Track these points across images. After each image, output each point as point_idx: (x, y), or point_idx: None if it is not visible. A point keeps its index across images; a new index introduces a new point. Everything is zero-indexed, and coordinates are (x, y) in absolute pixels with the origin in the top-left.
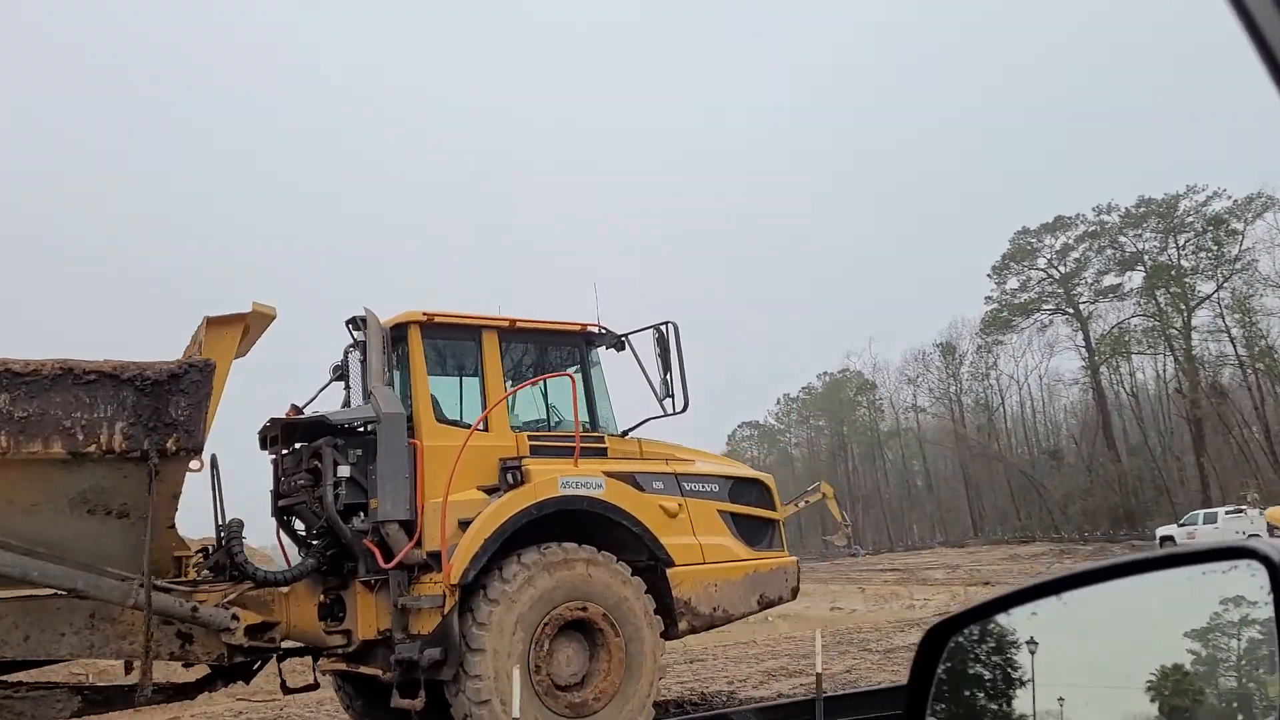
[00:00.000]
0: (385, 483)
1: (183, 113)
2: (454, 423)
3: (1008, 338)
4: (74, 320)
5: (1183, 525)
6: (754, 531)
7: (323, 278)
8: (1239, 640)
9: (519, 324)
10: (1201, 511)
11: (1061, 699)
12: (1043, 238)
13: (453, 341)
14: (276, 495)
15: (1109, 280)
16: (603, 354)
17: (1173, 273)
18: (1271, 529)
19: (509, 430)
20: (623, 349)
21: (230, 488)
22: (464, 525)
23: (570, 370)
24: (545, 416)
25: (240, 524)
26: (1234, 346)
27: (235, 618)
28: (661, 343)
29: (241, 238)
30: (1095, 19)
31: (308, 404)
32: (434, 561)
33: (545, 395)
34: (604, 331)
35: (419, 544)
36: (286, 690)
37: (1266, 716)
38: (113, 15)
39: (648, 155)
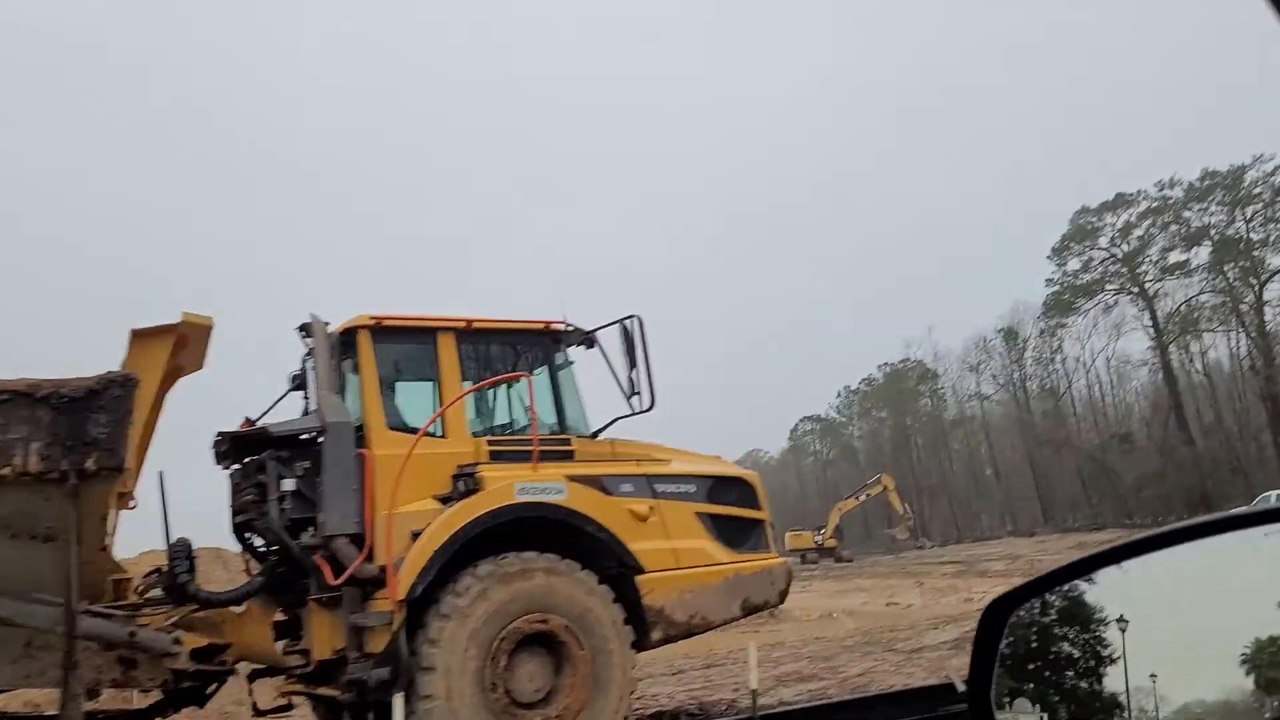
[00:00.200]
0: (331, 495)
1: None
2: (408, 430)
3: (1072, 320)
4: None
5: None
6: (737, 533)
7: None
8: None
9: (477, 324)
10: (1274, 492)
11: (1154, 675)
12: (1104, 216)
13: (406, 345)
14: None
15: (1174, 257)
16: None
17: (1241, 246)
18: None
19: (468, 436)
20: (592, 346)
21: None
22: (417, 537)
23: (536, 370)
24: (509, 420)
25: (185, 543)
26: None
27: (178, 641)
28: (626, 338)
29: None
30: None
31: (263, 415)
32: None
33: (508, 398)
34: (572, 329)
35: (369, 558)
36: (258, 713)
37: None
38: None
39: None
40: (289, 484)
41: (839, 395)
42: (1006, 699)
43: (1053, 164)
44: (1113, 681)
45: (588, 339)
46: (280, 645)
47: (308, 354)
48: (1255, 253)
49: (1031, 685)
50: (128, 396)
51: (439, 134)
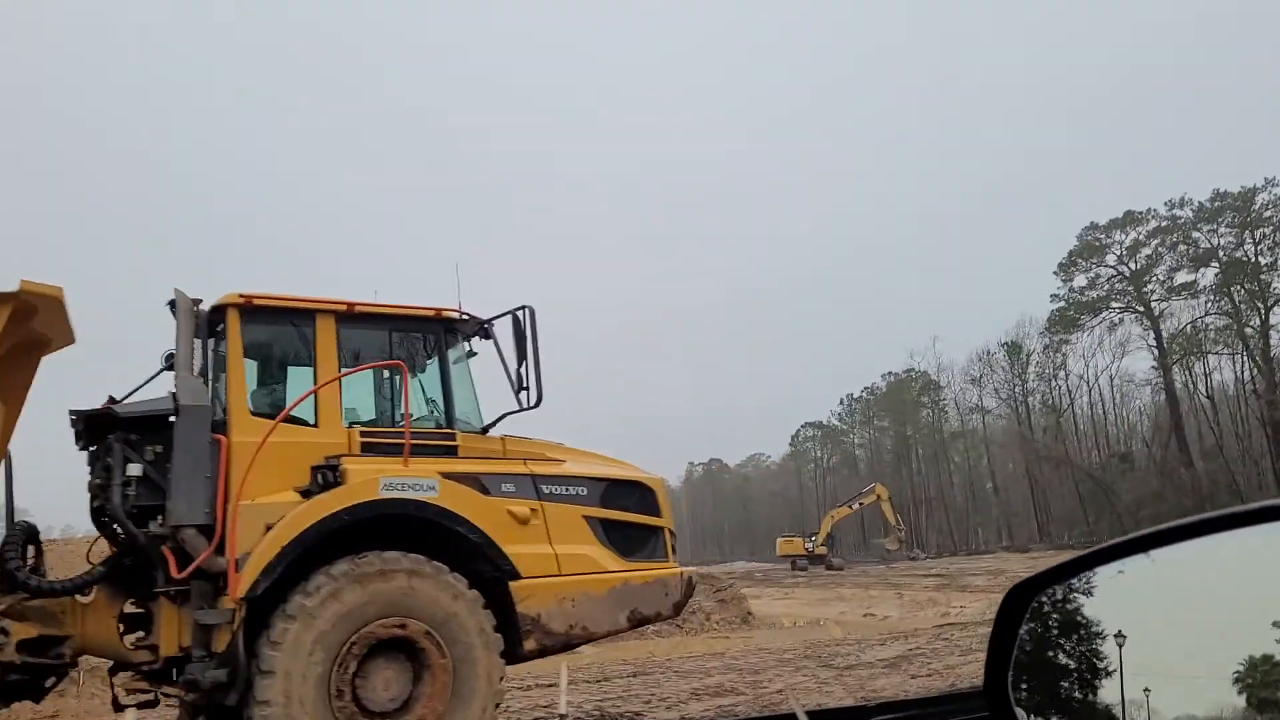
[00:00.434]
0: (180, 482)
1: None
2: (270, 416)
3: (1077, 337)
4: None
5: None
6: (631, 540)
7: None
8: None
9: (359, 308)
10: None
11: (1147, 690)
12: (1112, 234)
13: (281, 327)
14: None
15: (1181, 277)
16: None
17: (1249, 269)
18: None
19: (341, 426)
20: (488, 337)
21: None
22: None
23: (427, 360)
24: (391, 411)
25: (26, 528)
26: None
27: (4, 631)
28: (517, 330)
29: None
30: (1173, 11)
31: (129, 395)
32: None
33: (392, 388)
34: (467, 318)
35: (219, 551)
36: (118, 708)
37: None
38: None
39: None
40: (135, 469)
41: (841, 402)
42: (1023, 688)
43: (1067, 178)
44: (1107, 694)
45: (483, 329)
46: (131, 639)
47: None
48: (1263, 276)
49: (1042, 670)
50: None
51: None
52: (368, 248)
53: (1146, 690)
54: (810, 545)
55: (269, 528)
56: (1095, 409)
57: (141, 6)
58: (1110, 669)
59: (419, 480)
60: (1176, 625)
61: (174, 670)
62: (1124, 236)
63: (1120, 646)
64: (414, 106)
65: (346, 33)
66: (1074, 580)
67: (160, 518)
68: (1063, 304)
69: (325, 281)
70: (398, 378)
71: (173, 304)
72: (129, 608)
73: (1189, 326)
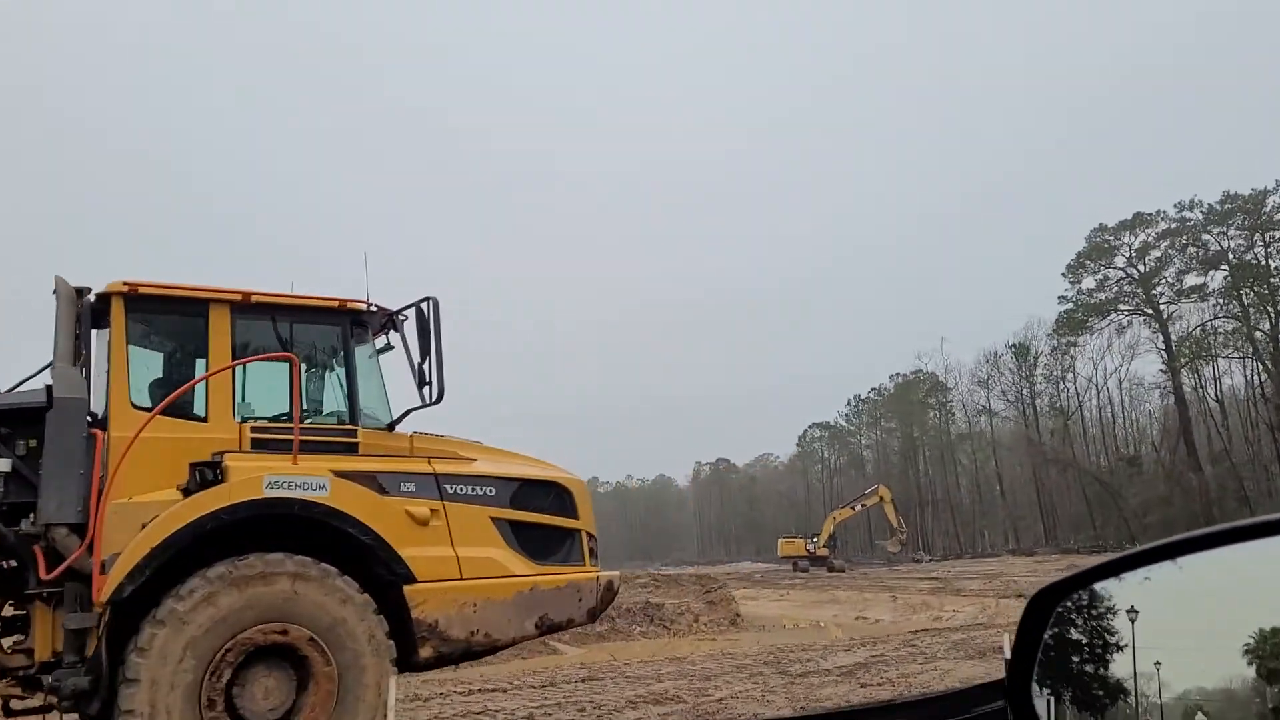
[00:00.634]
0: (51, 479)
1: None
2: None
3: (1086, 339)
4: None
5: None
6: (544, 543)
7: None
8: None
9: (257, 298)
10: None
11: (1158, 663)
12: (1121, 235)
13: (171, 318)
14: None
15: (1191, 280)
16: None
17: (1259, 272)
18: None
19: (232, 421)
20: (395, 329)
21: None
22: None
23: (332, 354)
24: (291, 407)
25: None
26: None
27: None
28: (420, 322)
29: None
30: (1179, 11)
31: (16, 386)
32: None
33: (293, 382)
34: (374, 309)
35: (90, 551)
36: (9, 714)
37: None
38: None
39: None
40: (4, 464)
41: (849, 403)
42: (1046, 693)
43: (1066, 178)
44: (1118, 668)
45: (390, 321)
46: (9, 643)
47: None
48: (1273, 279)
49: (1066, 676)
50: None
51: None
52: (369, 247)
53: (1157, 664)
54: (812, 547)
55: (145, 528)
56: (1104, 412)
57: (142, 6)
58: (1129, 646)
59: (308, 479)
60: (1204, 633)
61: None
62: (1133, 238)
63: (1133, 623)
64: (414, 106)
65: (347, 32)
66: (1098, 586)
67: (32, 516)
68: (1071, 306)
69: (325, 281)
70: (310, 371)
71: (57, 292)
72: (8, 610)
73: (1198, 329)
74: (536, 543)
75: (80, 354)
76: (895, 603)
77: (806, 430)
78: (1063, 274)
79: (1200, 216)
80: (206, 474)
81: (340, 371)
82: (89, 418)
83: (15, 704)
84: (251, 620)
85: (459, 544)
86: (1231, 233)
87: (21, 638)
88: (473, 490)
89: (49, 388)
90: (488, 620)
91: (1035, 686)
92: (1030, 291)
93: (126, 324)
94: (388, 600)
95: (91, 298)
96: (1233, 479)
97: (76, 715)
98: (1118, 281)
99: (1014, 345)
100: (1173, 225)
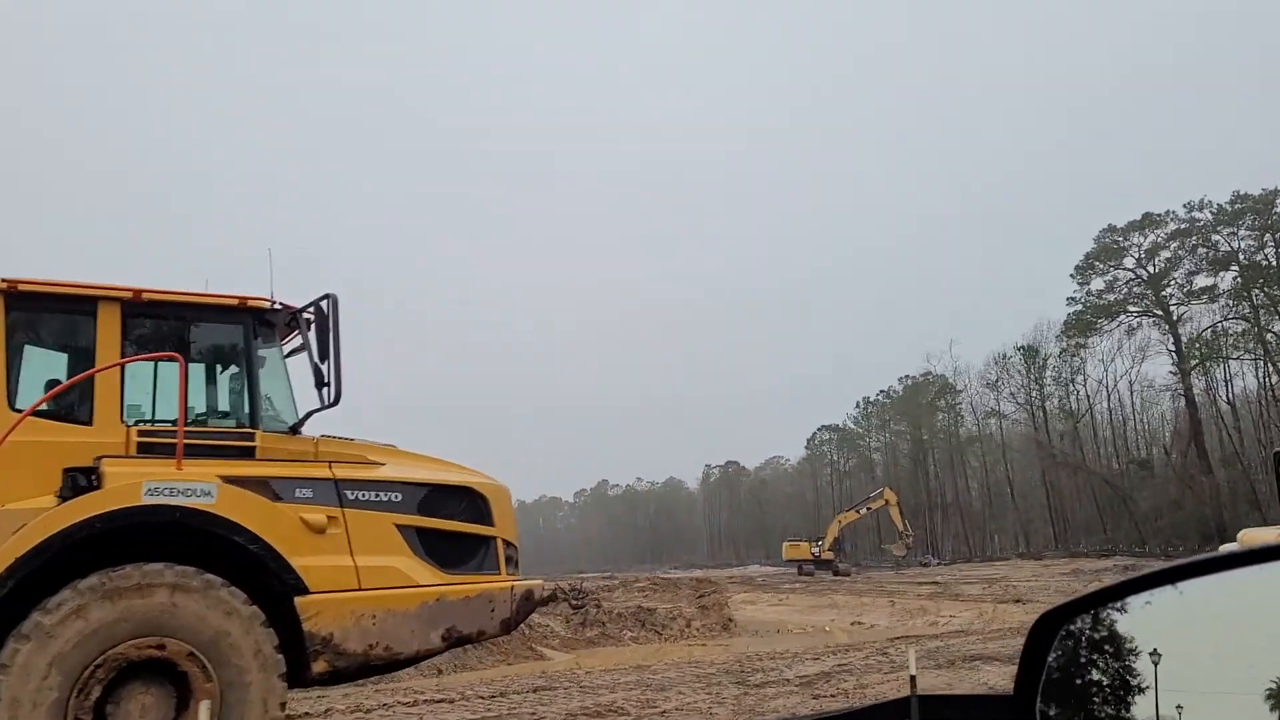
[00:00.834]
0: None
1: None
2: (41, 414)
3: (1096, 341)
4: None
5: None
6: (454, 551)
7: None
8: None
9: (149, 295)
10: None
11: (1180, 707)
12: (1130, 236)
13: (58, 317)
14: None
15: (1201, 281)
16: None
17: (1269, 273)
18: None
19: (119, 424)
20: (297, 327)
21: None
22: None
23: (234, 353)
24: (189, 409)
25: None
26: None
27: None
28: (319, 321)
29: None
30: (1183, 10)
31: None
32: None
33: (186, 383)
34: (278, 307)
35: None
36: None
37: None
38: None
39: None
40: None
41: (857, 406)
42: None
43: (1091, 179)
44: (1125, 693)
45: (294, 318)
46: None
47: None
48: None
49: (1070, 699)
50: None
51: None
52: (371, 248)
53: (1179, 708)
54: (817, 550)
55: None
56: (1115, 414)
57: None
58: (1139, 693)
59: (192, 485)
60: (1206, 657)
61: None
62: (1142, 239)
63: (1156, 665)
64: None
65: (349, 33)
66: (1101, 610)
67: None
68: (1080, 307)
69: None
70: (212, 372)
71: None
72: None
73: (1208, 331)
74: (446, 551)
75: None
76: (893, 608)
77: (815, 433)
78: (1071, 275)
79: (1210, 217)
80: (80, 480)
81: (243, 372)
82: None
83: None
84: (126, 634)
85: (359, 553)
86: (1241, 233)
87: None
88: (376, 496)
89: None
90: (388, 633)
91: (1040, 709)
92: (1029, 292)
93: (6, 324)
94: (281, 613)
95: None
96: (1244, 482)
97: None
98: (1127, 283)
99: (1023, 347)
100: (1182, 226)
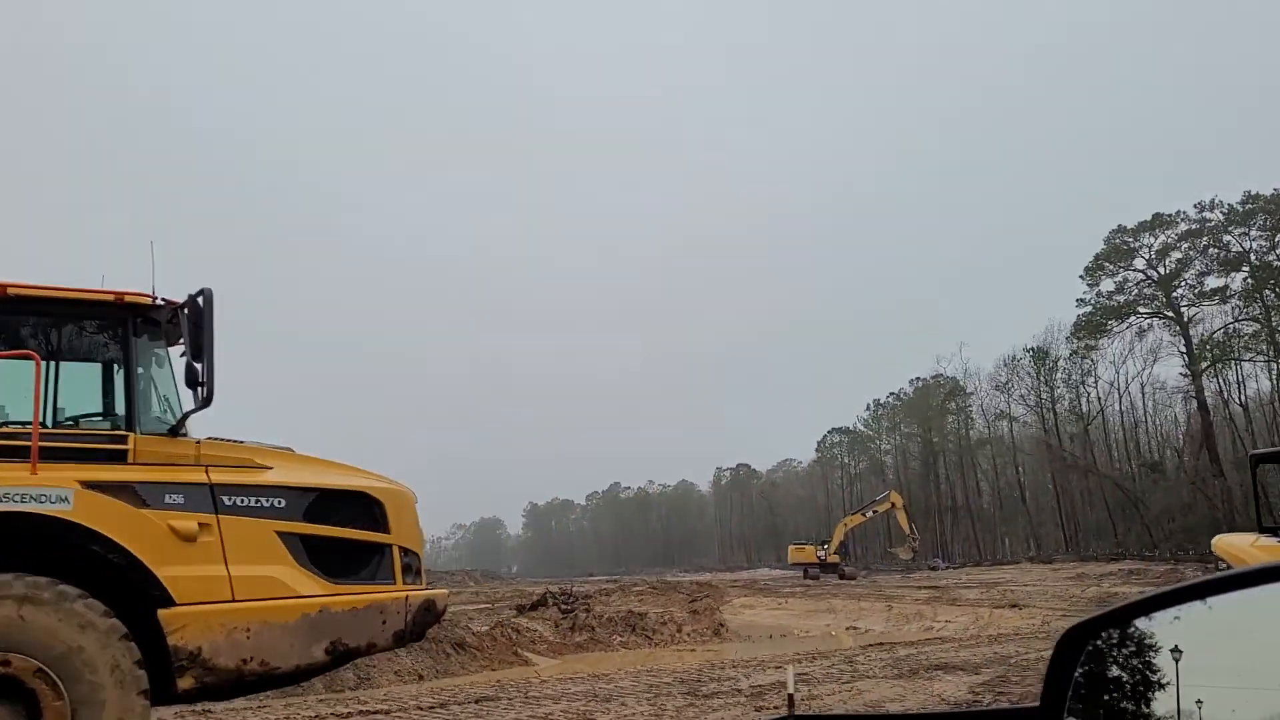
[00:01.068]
0: None
1: None
2: None
3: (1106, 343)
4: None
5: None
6: (344, 560)
7: None
8: None
9: (14, 290)
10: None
11: (1200, 701)
12: (1140, 237)
13: None
14: None
15: (1212, 282)
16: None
17: None
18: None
19: None
20: (174, 324)
21: None
22: None
23: (110, 351)
24: (60, 410)
25: None
26: None
27: None
28: (192, 317)
29: None
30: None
31: None
32: None
33: (55, 384)
34: (160, 303)
35: None
36: None
37: None
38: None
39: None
40: None
41: (867, 408)
42: None
43: (1099, 181)
44: (1152, 708)
45: (174, 315)
46: None
47: None
48: None
49: (1098, 715)
50: None
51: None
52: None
53: (1199, 702)
54: (823, 554)
55: None
56: (1127, 417)
57: None
58: (1165, 685)
59: (47, 490)
60: (1235, 674)
61: None
62: (1152, 239)
63: (1177, 662)
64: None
65: (349, 41)
66: (1130, 625)
67: None
68: (1090, 309)
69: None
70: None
71: None
72: None
73: (1220, 332)
74: (335, 560)
75: None
76: (890, 612)
77: (826, 435)
78: (1080, 276)
79: (1221, 217)
80: None
81: (121, 372)
82: None
83: None
84: None
85: (234, 562)
86: (1253, 234)
87: None
88: (256, 502)
89: None
90: (265, 646)
91: None
92: (1050, 295)
93: None
94: (149, 626)
95: None
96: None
97: None
98: (1137, 284)
99: (1032, 349)
100: (1193, 226)
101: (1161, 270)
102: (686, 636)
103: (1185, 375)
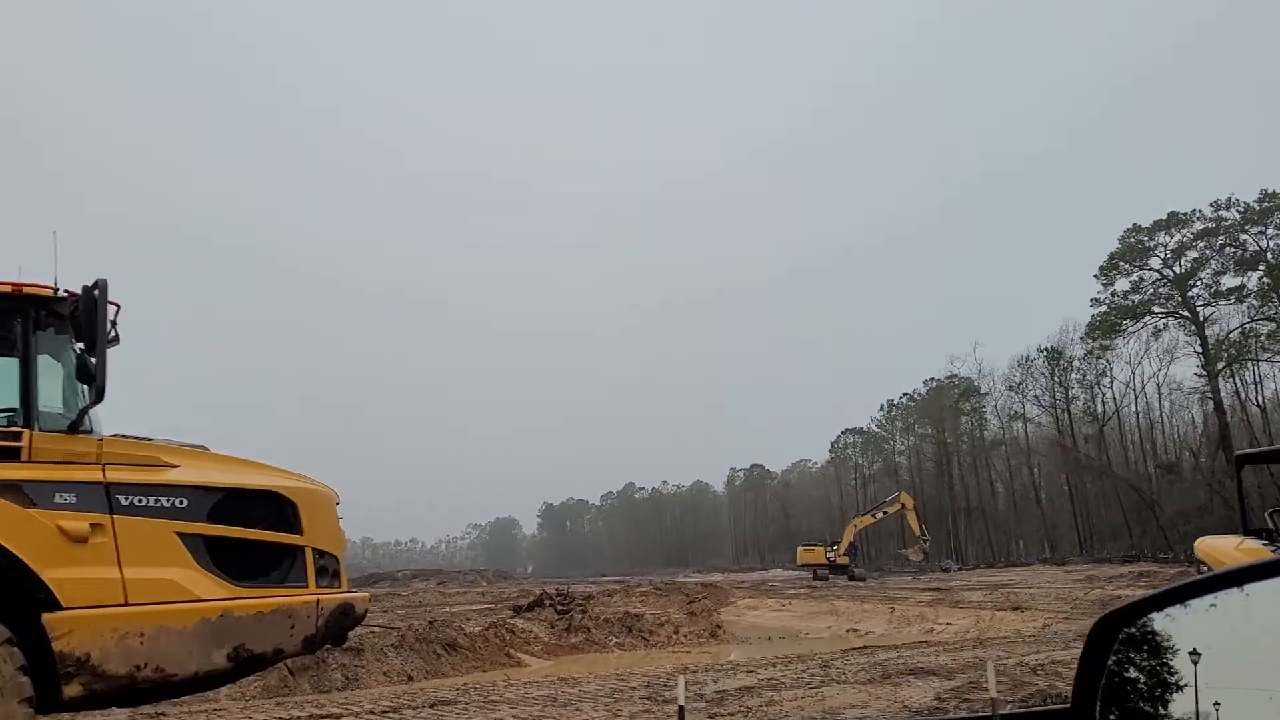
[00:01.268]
0: None
1: None
2: None
3: (1121, 343)
4: None
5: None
6: (252, 562)
7: None
8: None
9: None
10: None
11: (1217, 704)
12: (1155, 235)
13: None
14: None
15: (1228, 281)
16: None
17: None
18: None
19: None
20: (72, 318)
21: None
22: None
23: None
24: None
25: None
26: None
27: None
28: (87, 310)
29: None
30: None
31: None
32: None
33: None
34: (63, 295)
35: None
36: None
37: None
38: None
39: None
40: None
41: (881, 409)
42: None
43: (1118, 177)
44: (1179, 708)
45: (74, 308)
46: None
47: None
48: None
49: (1131, 701)
50: None
51: None
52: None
53: (1217, 704)
54: (832, 555)
55: None
56: (1143, 418)
57: None
58: (1201, 697)
59: None
60: (1272, 661)
61: None
62: (1168, 238)
63: (1195, 665)
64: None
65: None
66: (1163, 612)
67: None
68: (1104, 309)
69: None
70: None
71: None
72: None
73: (1236, 332)
74: (242, 562)
75: None
76: (891, 614)
77: (840, 436)
78: (1095, 275)
79: (1237, 216)
80: None
81: (16, 365)
82: None
83: None
84: None
85: (129, 564)
86: (1270, 232)
87: None
88: (155, 502)
89: None
90: (160, 652)
91: (1099, 712)
92: (1065, 294)
93: None
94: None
95: None
96: (1273, 487)
97: None
98: (1153, 283)
99: (1046, 349)
100: (1209, 225)
101: (1177, 269)
102: (683, 638)
103: (1201, 375)
